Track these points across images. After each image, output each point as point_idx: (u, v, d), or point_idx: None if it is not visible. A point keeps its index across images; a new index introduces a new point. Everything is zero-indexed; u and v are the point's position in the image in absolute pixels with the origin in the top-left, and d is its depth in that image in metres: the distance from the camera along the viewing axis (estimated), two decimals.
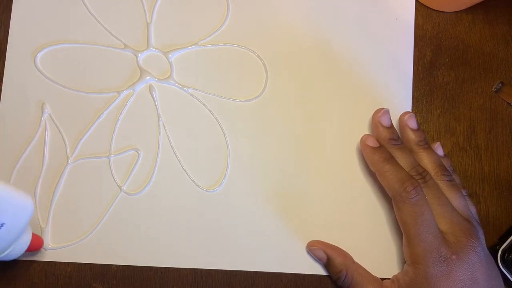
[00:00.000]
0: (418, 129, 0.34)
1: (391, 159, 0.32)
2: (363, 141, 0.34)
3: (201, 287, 0.34)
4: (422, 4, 0.38)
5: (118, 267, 0.34)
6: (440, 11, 0.38)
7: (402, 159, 0.32)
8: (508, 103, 0.37)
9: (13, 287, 0.33)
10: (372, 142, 0.33)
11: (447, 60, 0.37)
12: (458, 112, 0.37)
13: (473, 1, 0.36)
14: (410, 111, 0.36)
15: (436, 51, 0.37)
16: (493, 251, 0.34)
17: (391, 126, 0.34)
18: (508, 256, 0.34)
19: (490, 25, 0.38)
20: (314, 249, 0.34)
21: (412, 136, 0.34)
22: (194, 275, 0.34)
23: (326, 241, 0.34)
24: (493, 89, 0.37)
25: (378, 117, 0.34)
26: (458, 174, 0.36)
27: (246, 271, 0.34)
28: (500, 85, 0.37)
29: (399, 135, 0.34)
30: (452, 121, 0.37)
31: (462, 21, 0.38)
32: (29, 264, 0.33)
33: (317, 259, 0.34)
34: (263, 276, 0.34)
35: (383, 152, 0.32)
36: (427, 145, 0.34)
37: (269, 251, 0.34)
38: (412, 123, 0.34)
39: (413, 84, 0.37)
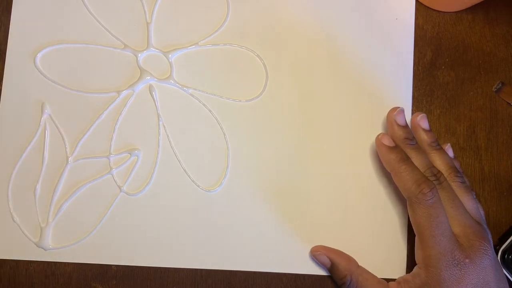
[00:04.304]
0: (430, 130, 0.34)
1: (407, 159, 0.32)
2: (379, 139, 0.33)
3: (201, 287, 0.34)
4: (422, 4, 0.38)
5: (118, 267, 0.34)
6: (440, 11, 0.38)
7: (417, 160, 0.32)
8: (508, 103, 0.37)
9: (13, 287, 0.33)
10: (388, 141, 0.33)
11: (447, 60, 0.37)
12: (458, 112, 0.37)
13: (473, 1, 0.36)
14: (419, 112, 0.36)
15: (436, 51, 0.37)
16: None
17: (406, 126, 0.34)
18: (508, 256, 0.34)
19: (490, 25, 0.38)
20: (318, 254, 0.33)
21: (424, 137, 0.33)
22: (194, 275, 0.34)
23: (327, 242, 0.34)
24: (493, 89, 0.37)
25: (394, 115, 0.34)
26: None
27: (246, 271, 0.34)
28: (500, 85, 0.37)
29: None
30: (452, 121, 0.37)
31: (462, 21, 0.38)
32: (29, 264, 0.34)
33: (321, 264, 0.34)
34: (263, 276, 0.34)
35: (399, 152, 0.32)
36: (439, 146, 0.33)
37: (269, 251, 0.34)
38: (425, 123, 0.34)
39: (413, 84, 0.37)
